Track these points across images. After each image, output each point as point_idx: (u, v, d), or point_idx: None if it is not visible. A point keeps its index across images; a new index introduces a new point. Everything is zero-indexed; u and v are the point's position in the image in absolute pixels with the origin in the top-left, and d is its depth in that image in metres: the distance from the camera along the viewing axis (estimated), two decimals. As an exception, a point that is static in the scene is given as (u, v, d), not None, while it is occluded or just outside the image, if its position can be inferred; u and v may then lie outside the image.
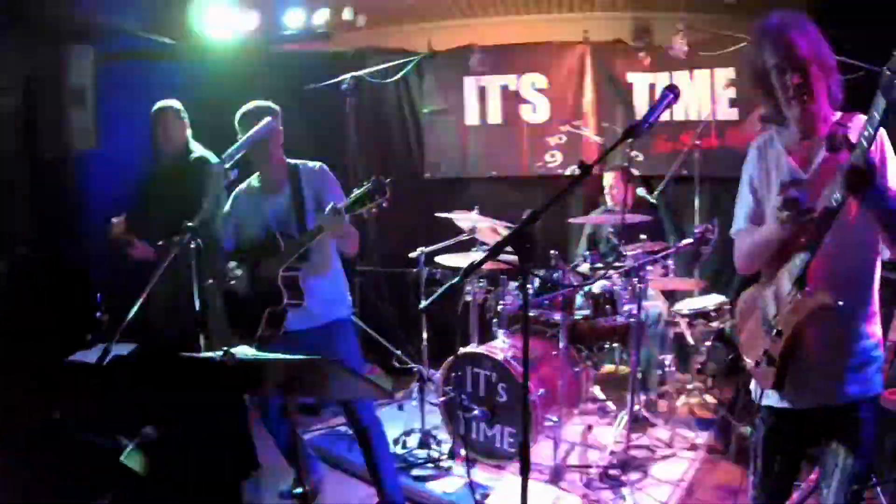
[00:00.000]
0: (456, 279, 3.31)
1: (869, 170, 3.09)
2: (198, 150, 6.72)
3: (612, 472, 6.55)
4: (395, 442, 6.96)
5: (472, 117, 10.00)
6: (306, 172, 5.59)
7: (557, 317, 6.91)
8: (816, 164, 3.59)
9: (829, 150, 3.46)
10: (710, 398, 8.02)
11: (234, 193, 5.75)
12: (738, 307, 4.06)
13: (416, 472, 6.66)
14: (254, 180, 5.71)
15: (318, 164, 5.66)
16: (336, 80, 9.07)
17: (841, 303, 3.43)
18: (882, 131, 3.49)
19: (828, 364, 3.60)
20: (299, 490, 5.74)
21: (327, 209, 5.01)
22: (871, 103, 3.06)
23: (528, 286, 6.85)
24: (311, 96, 9.20)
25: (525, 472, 3.30)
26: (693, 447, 7.13)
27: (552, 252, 7.23)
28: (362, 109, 9.78)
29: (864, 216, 3.39)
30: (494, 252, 3.20)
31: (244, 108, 5.47)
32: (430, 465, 6.82)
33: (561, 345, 6.78)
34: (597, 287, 7.21)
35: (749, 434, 4.16)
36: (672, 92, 3.61)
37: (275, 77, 8.69)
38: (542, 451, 6.77)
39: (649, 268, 7.09)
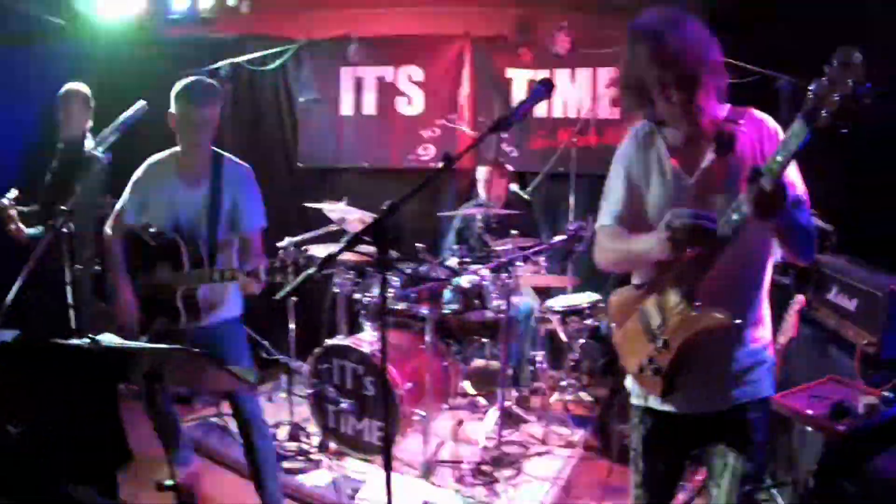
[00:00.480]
0: (312, 270, 3.20)
1: (781, 195, 2.88)
2: (89, 145, 6.46)
3: (484, 468, 6.51)
4: (266, 434, 6.77)
5: (346, 108, 9.81)
6: (230, 171, 5.27)
7: (425, 310, 6.78)
8: (703, 167, 3.39)
9: (717, 153, 3.34)
10: (585, 396, 8.00)
11: (148, 164, 5.36)
12: (611, 308, 3.86)
13: (286, 464, 6.52)
14: (172, 158, 5.32)
15: (245, 165, 5.38)
16: (214, 66, 8.87)
17: (738, 321, 3.28)
18: (776, 124, 3.42)
19: (716, 372, 3.48)
20: (171, 482, 5.60)
21: (248, 271, 4.87)
22: (788, 127, 2.81)
23: (396, 279, 6.83)
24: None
25: (388, 468, 3.32)
26: (569, 444, 7.13)
27: (418, 245, 7.19)
28: (240, 96, 9.66)
29: (758, 225, 3.15)
30: (351, 244, 3.10)
31: (183, 82, 5.10)
32: (300, 457, 6.72)
33: (428, 338, 6.64)
34: (465, 281, 7.11)
35: (627, 433, 4.07)
36: (545, 86, 3.51)
37: (160, 61, 8.55)
38: (412, 446, 6.74)
39: (519, 264, 7.03)
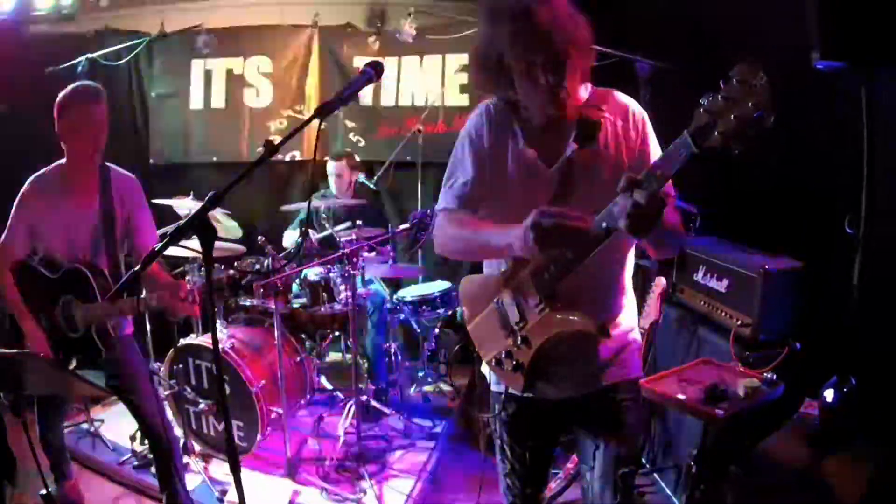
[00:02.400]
0: (137, 268, 2.89)
1: (657, 211, 2.60)
2: None
3: (348, 464, 6.27)
4: (132, 438, 6.41)
5: (196, 101, 9.47)
6: (119, 183, 4.93)
7: (273, 305, 6.41)
8: (565, 157, 3.10)
9: (579, 142, 3.08)
10: (444, 386, 7.86)
11: (32, 181, 4.86)
12: (464, 296, 3.61)
13: (154, 469, 5.99)
14: (59, 172, 4.89)
15: (132, 176, 5.04)
16: (73, 62, 8.45)
17: (602, 322, 3.05)
18: (641, 110, 3.19)
19: (582, 361, 3.27)
20: (44, 492, 5.15)
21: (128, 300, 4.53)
22: (676, 140, 2.49)
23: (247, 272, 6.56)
24: (53, 79, 8.34)
25: (236, 470, 2.95)
26: (432, 436, 6.93)
27: (260, 238, 6.90)
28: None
29: None
30: (174, 238, 2.77)
31: (70, 88, 4.81)
32: (167, 460, 6.35)
33: (276, 334, 6.29)
34: (313, 274, 6.91)
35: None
36: (373, 69, 3.18)
37: (25, 60, 8.19)
38: (273, 445, 6.47)
39: (366, 254, 6.83)
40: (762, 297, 4.64)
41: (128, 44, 9.16)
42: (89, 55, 8.53)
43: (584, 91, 3.18)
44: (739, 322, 4.79)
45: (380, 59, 8.37)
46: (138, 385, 4.97)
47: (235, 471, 2.94)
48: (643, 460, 5.65)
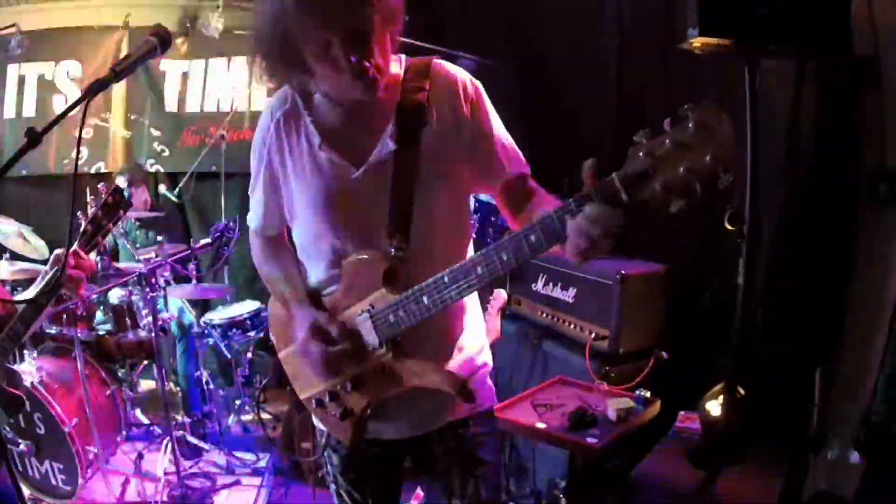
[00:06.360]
0: None
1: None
2: None
3: (173, 507, 5.25)
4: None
5: (9, 110, 8.26)
6: None
7: (76, 333, 5.48)
8: (378, 155, 2.34)
9: (397, 139, 2.32)
10: (265, 414, 6.62)
11: None
12: (273, 319, 2.78)
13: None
14: None
15: None
16: None
17: (464, 382, 2.33)
18: (477, 83, 2.44)
19: (421, 396, 2.43)
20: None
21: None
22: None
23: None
24: None
25: None
26: (257, 472, 5.86)
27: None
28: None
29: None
30: None
31: None
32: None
33: (79, 365, 5.34)
34: (114, 298, 5.91)
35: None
36: (156, 35, 2.40)
37: None
38: (97, 488, 5.49)
39: (167, 273, 5.93)
40: (620, 306, 4.05)
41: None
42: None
43: (398, 65, 2.44)
44: (594, 335, 4.16)
45: (187, 61, 7.58)
46: None
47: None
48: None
